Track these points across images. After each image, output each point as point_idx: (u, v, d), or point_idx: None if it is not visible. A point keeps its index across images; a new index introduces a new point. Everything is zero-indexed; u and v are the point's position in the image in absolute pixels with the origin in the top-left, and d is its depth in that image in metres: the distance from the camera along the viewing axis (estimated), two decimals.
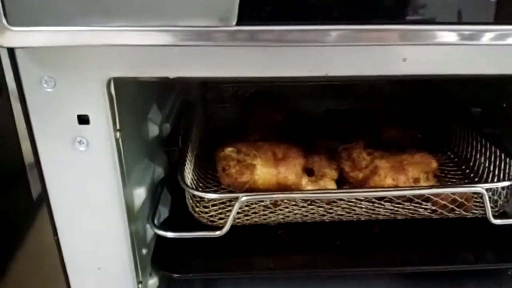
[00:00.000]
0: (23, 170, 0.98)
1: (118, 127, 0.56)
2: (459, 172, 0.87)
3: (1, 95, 0.70)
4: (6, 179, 1.00)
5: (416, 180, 0.75)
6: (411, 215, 0.73)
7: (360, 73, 0.55)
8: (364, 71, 0.55)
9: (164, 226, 0.74)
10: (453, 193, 0.71)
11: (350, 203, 0.74)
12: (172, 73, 0.53)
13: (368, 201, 0.73)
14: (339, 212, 0.74)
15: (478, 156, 0.84)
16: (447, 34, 0.50)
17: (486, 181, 0.80)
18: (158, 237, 0.76)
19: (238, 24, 0.47)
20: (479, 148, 0.84)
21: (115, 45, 0.47)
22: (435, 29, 0.50)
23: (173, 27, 0.46)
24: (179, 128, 0.90)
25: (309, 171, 0.79)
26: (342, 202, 0.74)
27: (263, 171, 0.75)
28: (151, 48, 0.50)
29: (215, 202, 0.72)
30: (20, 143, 0.94)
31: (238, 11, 0.47)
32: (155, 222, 0.71)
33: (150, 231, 0.72)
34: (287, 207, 0.74)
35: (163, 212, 0.80)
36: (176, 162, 0.85)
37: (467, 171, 0.86)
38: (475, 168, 0.84)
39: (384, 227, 0.84)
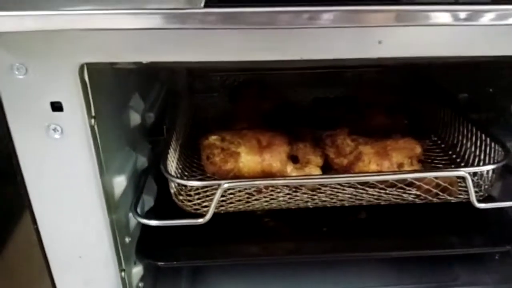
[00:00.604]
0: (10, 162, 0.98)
1: (93, 114, 0.56)
2: (445, 158, 0.86)
3: None
4: None
5: (400, 165, 0.75)
6: (395, 200, 0.73)
7: (336, 56, 0.54)
8: (339, 54, 0.54)
9: (148, 214, 0.74)
10: (436, 178, 0.71)
11: (334, 189, 0.73)
12: (144, 58, 0.52)
13: (351, 187, 0.73)
14: (323, 198, 0.73)
15: (464, 141, 0.83)
16: (423, 15, 0.50)
17: (472, 166, 0.79)
18: (143, 226, 0.76)
19: (206, 6, 0.46)
20: (465, 133, 0.83)
21: (83, 29, 0.47)
22: (411, 10, 0.50)
23: (140, 10, 0.46)
24: (165, 117, 0.90)
25: (294, 158, 0.78)
26: (326, 188, 0.74)
27: (248, 159, 0.75)
28: (121, 32, 0.49)
29: (198, 191, 0.72)
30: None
31: None
32: (138, 210, 0.70)
33: (134, 220, 0.72)
34: (271, 194, 0.74)
35: (149, 201, 0.79)
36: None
37: (454, 156, 0.86)
38: (462, 153, 0.84)
39: (371, 214, 0.84)
